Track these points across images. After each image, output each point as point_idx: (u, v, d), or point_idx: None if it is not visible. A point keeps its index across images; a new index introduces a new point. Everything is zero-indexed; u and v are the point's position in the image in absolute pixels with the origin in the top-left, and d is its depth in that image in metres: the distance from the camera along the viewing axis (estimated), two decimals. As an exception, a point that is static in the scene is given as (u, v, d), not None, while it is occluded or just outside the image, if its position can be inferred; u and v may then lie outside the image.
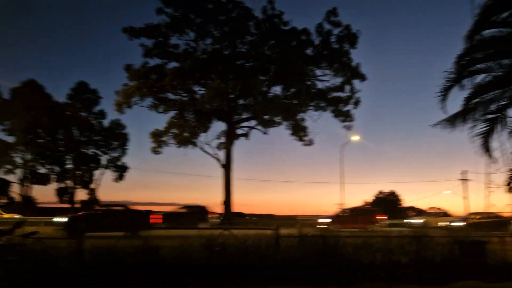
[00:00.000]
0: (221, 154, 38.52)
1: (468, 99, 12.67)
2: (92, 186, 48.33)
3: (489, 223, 26.98)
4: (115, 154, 49.19)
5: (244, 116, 39.30)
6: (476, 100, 11.86)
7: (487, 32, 11.93)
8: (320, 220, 29.62)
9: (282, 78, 36.63)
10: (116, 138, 48.79)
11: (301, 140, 38.70)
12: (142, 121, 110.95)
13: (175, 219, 26.91)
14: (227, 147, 38.11)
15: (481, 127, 11.85)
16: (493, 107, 11.66)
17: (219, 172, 37.97)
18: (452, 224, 29.85)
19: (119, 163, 49.31)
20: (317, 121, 39.49)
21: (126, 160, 50.04)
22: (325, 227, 22.88)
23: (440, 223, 34.07)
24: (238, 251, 9.58)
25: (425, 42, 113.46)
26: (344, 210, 32.76)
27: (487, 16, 11.82)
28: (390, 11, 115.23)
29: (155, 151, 37.50)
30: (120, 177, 48.98)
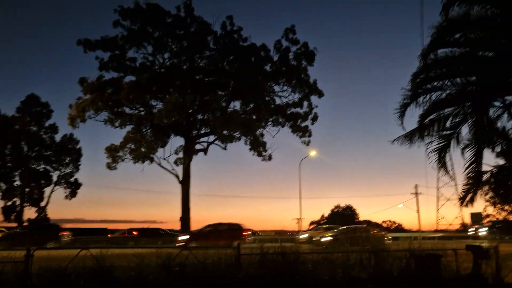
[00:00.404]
0: (179, 169, 37.90)
1: (423, 116, 13.09)
2: (42, 203, 46.16)
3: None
4: (67, 170, 47.34)
5: (202, 131, 38.92)
6: (432, 117, 12.26)
7: (441, 52, 12.43)
8: (179, 238, 26.86)
9: (241, 94, 36.69)
10: (69, 153, 47.00)
11: (260, 155, 38.71)
12: (97, 135, 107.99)
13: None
14: (185, 162, 37.49)
15: (437, 143, 12.23)
16: (448, 124, 12.08)
17: (177, 188, 37.30)
18: (322, 239, 28.55)
19: (71, 179, 47.45)
20: (276, 136, 39.85)
21: (79, 176, 48.31)
22: (183, 245, 21.61)
23: (301, 237, 35.75)
24: (197, 271, 9.27)
25: (383, 60, 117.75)
26: (206, 226, 28.31)
27: (441, 36, 12.31)
28: (349, 29, 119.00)
29: (111, 166, 36.39)
30: (72, 194, 47.10)
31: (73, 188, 47.19)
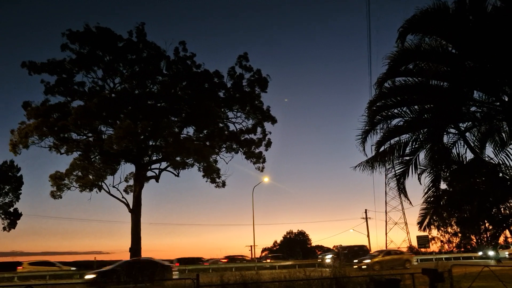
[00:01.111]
0: (130, 197, 36.50)
1: (380, 143, 13.35)
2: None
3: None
4: (6, 200, 44.24)
5: (154, 158, 37.93)
6: (393, 142, 12.50)
7: (397, 79, 12.81)
8: (86, 277, 22.04)
9: (194, 120, 36.27)
10: (8, 181, 44.07)
11: (213, 182, 38.09)
12: (41, 162, 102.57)
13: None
14: (136, 190, 36.20)
15: (396, 169, 12.45)
16: (408, 150, 12.35)
17: (127, 216, 35.79)
18: None
19: (10, 209, 44.34)
20: (230, 163, 39.59)
21: (19, 205, 45.26)
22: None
23: None
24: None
25: (334, 87, 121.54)
26: (122, 262, 24.04)
27: (396, 65, 12.70)
28: (301, 56, 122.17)
29: (55, 195, 34.34)
30: (11, 225, 43.93)
31: (12, 218, 44.08)
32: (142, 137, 33.90)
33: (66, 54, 34.30)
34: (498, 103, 11.95)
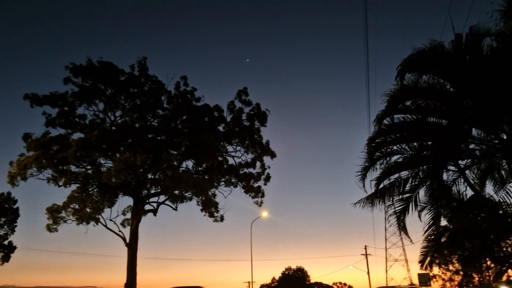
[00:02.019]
0: (127, 231, 35.99)
1: (380, 179, 13.35)
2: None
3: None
4: (1, 232, 43.57)
5: (153, 191, 37.67)
6: (392, 179, 12.50)
7: (396, 116, 12.95)
8: None
9: (193, 153, 36.23)
10: (4, 213, 43.56)
11: (212, 216, 37.65)
12: (37, 194, 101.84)
13: None
14: (133, 224, 35.76)
15: (396, 206, 12.39)
16: (408, 187, 12.33)
17: (123, 250, 35.19)
18: None
19: (5, 242, 43.63)
20: (228, 197, 39.24)
21: (14, 238, 44.56)
22: None
23: None
24: None
25: (334, 122, 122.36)
26: None
27: (394, 103, 12.87)
28: (301, 91, 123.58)
29: (51, 228, 33.78)
30: (5, 258, 43.10)
31: (6, 252, 43.31)
32: (141, 170, 33.77)
33: (69, 87, 34.66)
34: (497, 141, 12.04)
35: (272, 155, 39.31)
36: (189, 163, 37.94)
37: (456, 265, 54.12)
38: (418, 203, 12.35)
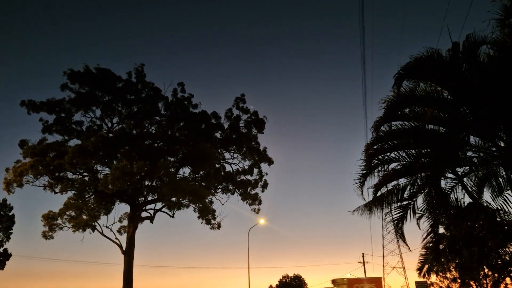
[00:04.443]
0: (123, 238, 35.78)
1: (377, 186, 13.31)
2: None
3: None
4: (-4, 239, 43.16)
5: (149, 198, 37.49)
6: (390, 187, 12.47)
7: (394, 124, 12.94)
8: None
9: (190, 160, 36.13)
10: (0, 220, 43.19)
11: (208, 223, 37.51)
12: (32, 201, 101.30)
13: None
14: (129, 231, 35.57)
15: (395, 213, 12.36)
16: (406, 194, 12.31)
17: (120, 258, 34.97)
18: None
19: (0, 249, 43.22)
20: (225, 204, 39.11)
21: (9, 246, 44.14)
22: None
23: None
24: None
25: (331, 128, 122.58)
26: None
27: (392, 110, 12.88)
28: (299, 98, 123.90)
29: (47, 235, 33.54)
30: (0, 266, 42.65)
31: (2, 259, 42.86)
32: (138, 177, 33.65)
33: (66, 94, 34.64)
34: (494, 149, 12.04)
35: (270, 162, 39.31)
36: (186, 170, 37.92)
37: (454, 272, 54.04)
38: (416, 211, 12.34)
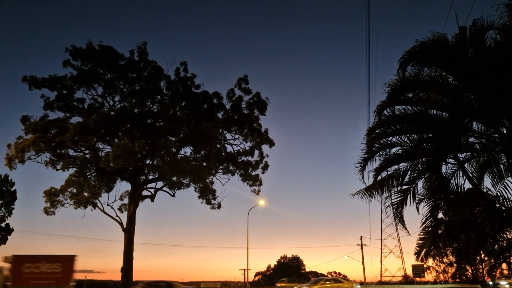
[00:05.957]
0: (124, 216, 36.11)
1: (378, 170, 13.32)
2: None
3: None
4: (-2, 214, 43.66)
5: (150, 177, 37.70)
6: (390, 171, 12.48)
7: (397, 108, 12.87)
8: None
9: (192, 140, 36.18)
10: (1, 196, 43.59)
11: (209, 203, 37.75)
12: (35, 177, 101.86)
13: None
14: (130, 209, 35.86)
15: (395, 198, 12.40)
16: (406, 179, 12.32)
17: (121, 235, 35.35)
18: None
19: (2, 224, 43.75)
20: (226, 184, 39.27)
21: (11, 221, 44.67)
22: None
23: None
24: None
25: (333, 112, 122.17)
26: None
27: (395, 95, 12.80)
28: (301, 80, 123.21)
29: (48, 211, 33.82)
30: (2, 241, 43.25)
31: (3, 234, 43.44)
32: (139, 155, 33.75)
33: (68, 71, 34.52)
34: (496, 135, 12.01)
35: (271, 143, 39.34)
36: (187, 150, 38.02)
37: (451, 257, 54.61)
38: (416, 195, 12.37)
